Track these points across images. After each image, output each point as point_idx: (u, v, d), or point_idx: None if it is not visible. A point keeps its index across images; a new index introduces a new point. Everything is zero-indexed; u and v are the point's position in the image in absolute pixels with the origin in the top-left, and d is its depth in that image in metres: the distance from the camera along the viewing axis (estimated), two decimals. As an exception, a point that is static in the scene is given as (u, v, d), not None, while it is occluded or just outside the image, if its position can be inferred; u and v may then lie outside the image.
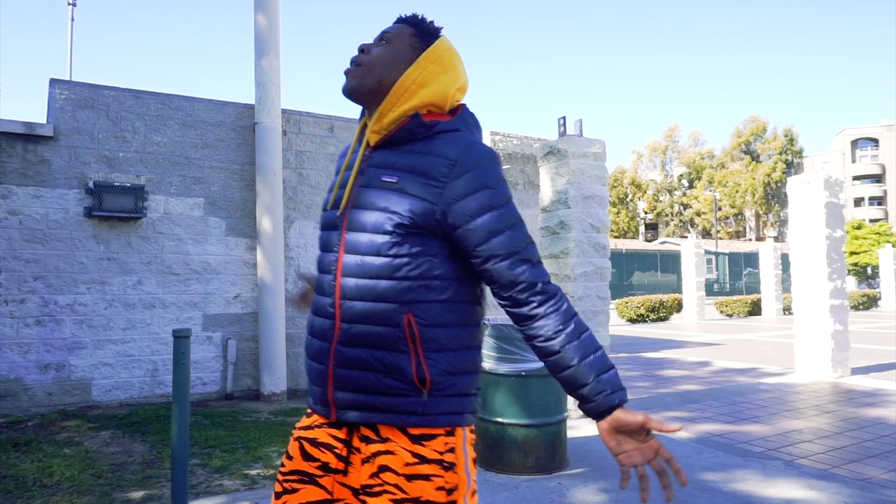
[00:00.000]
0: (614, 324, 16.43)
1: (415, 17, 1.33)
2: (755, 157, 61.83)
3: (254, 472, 4.14)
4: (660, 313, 18.15)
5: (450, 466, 1.20)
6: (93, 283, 6.38)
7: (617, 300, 18.81)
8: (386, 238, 1.20)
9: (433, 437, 1.20)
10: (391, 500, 1.17)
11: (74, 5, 10.69)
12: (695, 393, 6.45)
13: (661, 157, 66.56)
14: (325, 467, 1.27)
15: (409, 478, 1.17)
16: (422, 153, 1.24)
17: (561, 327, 1.19)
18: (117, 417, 5.80)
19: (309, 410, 1.34)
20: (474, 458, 1.28)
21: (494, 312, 8.75)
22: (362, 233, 1.23)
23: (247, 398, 6.88)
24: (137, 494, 3.72)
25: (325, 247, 1.31)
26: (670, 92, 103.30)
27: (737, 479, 3.63)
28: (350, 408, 1.23)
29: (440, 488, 1.18)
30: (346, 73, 1.30)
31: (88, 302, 6.36)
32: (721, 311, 20.18)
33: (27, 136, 6.14)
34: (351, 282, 1.22)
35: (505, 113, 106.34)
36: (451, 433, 1.22)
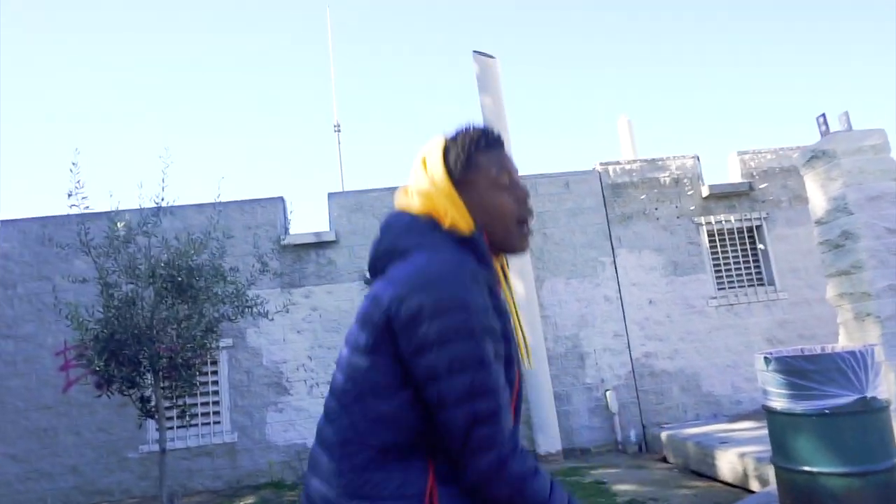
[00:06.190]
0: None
1: None
2: None
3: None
4: None
5: None
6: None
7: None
8: None
9: None
10: None
11: (339, 131, 12.82)
12: None
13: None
14: None
15: None
16: None
17: None
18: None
19: None
20: None
21: (769, 346, 7.68)
22: None
23: (525, 460, 6.96)
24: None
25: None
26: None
27: None
28: None
29: None
30: (529, 236, 1.26)
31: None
32: None
33: (317, 244, 7.36)
34: None
35: (751, 128, 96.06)
36: None
